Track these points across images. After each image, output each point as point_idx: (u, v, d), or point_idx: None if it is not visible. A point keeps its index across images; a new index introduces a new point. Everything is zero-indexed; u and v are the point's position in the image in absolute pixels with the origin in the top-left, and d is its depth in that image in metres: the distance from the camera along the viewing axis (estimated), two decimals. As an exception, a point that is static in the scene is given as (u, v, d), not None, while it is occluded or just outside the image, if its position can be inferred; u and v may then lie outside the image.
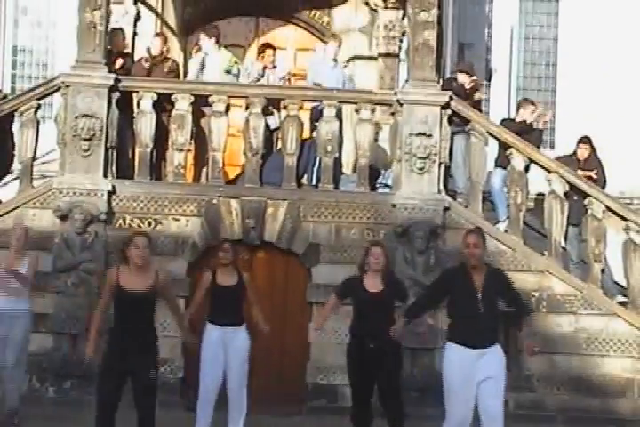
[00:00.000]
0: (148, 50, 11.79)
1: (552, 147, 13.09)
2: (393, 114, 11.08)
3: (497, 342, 7.24)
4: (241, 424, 8.50)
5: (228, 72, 11.57)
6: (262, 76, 11.66)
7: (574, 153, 11.74)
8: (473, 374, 7.02)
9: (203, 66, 11.68)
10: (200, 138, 11.19)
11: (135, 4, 13.26)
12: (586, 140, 11.72)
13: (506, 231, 10.95)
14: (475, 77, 11.78)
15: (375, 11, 13.66)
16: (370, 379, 8.11)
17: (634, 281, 10.81)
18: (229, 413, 8.48)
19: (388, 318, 7.94)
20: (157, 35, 12.30)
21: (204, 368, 8.43)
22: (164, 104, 10.94)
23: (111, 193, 10.49)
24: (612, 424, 10.23)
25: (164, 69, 11.52)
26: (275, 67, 11.77)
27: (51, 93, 11.10)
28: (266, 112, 11.03)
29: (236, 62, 11.91)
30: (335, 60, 11.94)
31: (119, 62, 11.27)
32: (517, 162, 10.92)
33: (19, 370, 9.09)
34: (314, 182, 11.24)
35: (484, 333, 7.09)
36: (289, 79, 12.23)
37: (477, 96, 11.74)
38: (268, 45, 12.08)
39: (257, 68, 11.63)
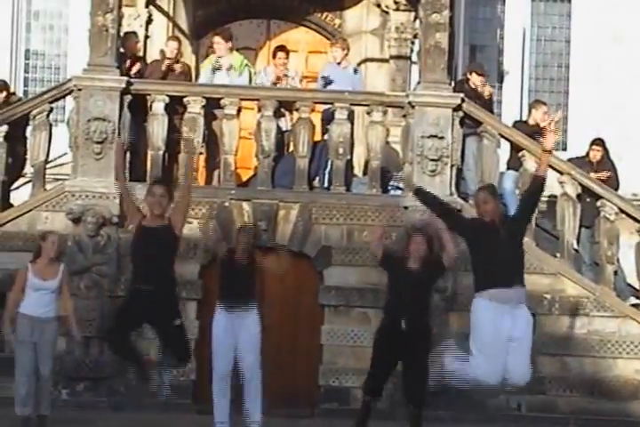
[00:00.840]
0: (162, 52, 11.84)
1: (564, 149, 13.08)
2: (405, 116, 11.17)
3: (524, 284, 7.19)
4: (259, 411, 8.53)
5: (218, 69, 11.49)
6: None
7: (587, 155, 11.76)
8: (504, 331, 6.95)
9: (215, 69, 11.66)
10: (212, 141, 11.24)
11: (147, 6, 13.32)
12: (599, 142, 11.75)
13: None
14: (485, 77, 11.82)
15: (387, 13, 13.66)
16: (392, 360, 8.17)
17: (646, 283, 10.90)
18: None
19: (424, 301, 8.04)
20: (173, 38, 12.30)
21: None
22: (176, 107, 11.02)
23: (123, 196, 10.58)
24: (625, 426, 10.28)
25: (176, 72, 11.53)
26: (286, 75, 11.69)
27: (63, 97, 11.23)
28: (277, 114, 11.11)
29: (247, 65, 11.88)
30: (343, 64, 11.90)
31: (136, 66, 11.35)
32: (530, 164, 10.91)
33: (51, 375, 9.16)
34: (325, 185, 11.34)
35: (513, 275, 7.06)
36: (300, 80, 12.26)
37: (487, 92, 11.74)
38: (280, 48, 12.04)
39: (270, 78, 11.59)
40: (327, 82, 11.55)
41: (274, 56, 12.00)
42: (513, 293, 6.99)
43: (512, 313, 6.98)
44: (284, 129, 11.43)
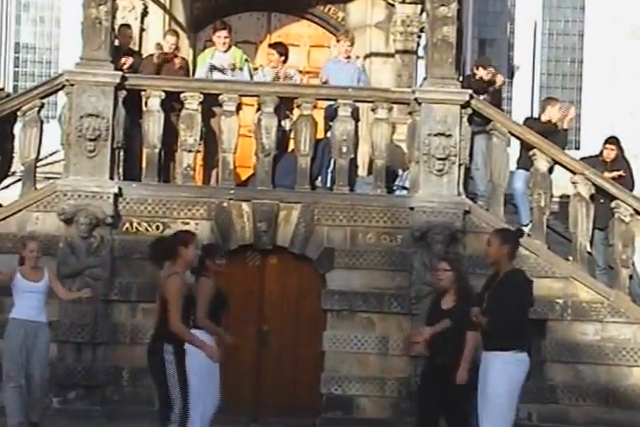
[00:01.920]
0: (158, 46, 11.78)
1: (577, 147, 13.05)
2: (411, 113, 11.08)
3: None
4: None
5: (219, 70, 11.47)
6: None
7: (600, 154, 11.73)
8: None
9: (216, 69, 11.59)
10: (210, 138, 11.17)
11: (142, -2, 13.34)
12: (613, 140, 11.71)
13: (529, 236, 10.83)
14: (492, 69, 11.77)
15: (392, 5, 13.64)
16: (433, 397, 7.96)
17: (662, 288, 10.85)
18: None
19: (460, 336, 7.75)
20: (171, 31, 12.23)
21: None
22: (172, 103, 10.94)
23: (117, 196, 10.50)
24: (641, 437, 10.26)
25: (174, 67, 11.49)
26: (286, 76, 11.60)
27: (55, 92, 11.13)
28: (282, 115, 11.05)
29: (246, 60, 11.89)
30: (348, 58, 11.84)
31: (128, 61, 11.27)
32: (541, 163, 10.89)
33: (45, 385, 9.23)
34: (328, 185, 11.26)
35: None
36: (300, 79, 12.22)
37: (500, 81, 11.70)
38: (276, 44, 12.00)
39: (269, 79, 11.51)
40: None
41: (268, 52, 11.95)
42: None
43: None
44: (285, 128, 11.34)
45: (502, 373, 6.95)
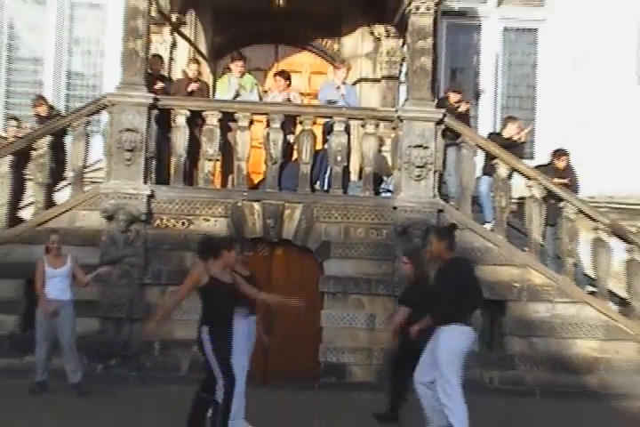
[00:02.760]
0: (184, 72, 11.71)
1: (532, 157, 12.92)
2: (394, 128, 10.93)
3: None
4: None
5: (237, 95, 11.44)
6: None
7: (551, 163, 11.59)
8: None
9: (236, 94, 11.52)
10: (227, 149, 11.03)
11: (171, 33, 13.22)
12: (565, 152, 11.59)
13: (492, 230, 10.81)
14: (462, 94, 11.71)
15: (379, 39, 13.54)
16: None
17: (601, 273, 10.70)
18: None
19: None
20: (193, 60, 12.15)
21: None
22: (196, 120, 10.81)
23: (150, 197, 10.38)
24: (583, 397, 10.07)
25: (196, 90, 11.40)
26: (289, 99, 11.45)
27: (99, 111, 10.96)
28: (287, 131, 10.92)
29: (256, 84, 11.80)
30: (344, 83, 11.72)
31: (159, 85, 11.16)
32: (502, 170, 10.80)
33: (72, 350, 9.19)
34: (325, 188, 11.09)
35: None
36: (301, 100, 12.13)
37: (464, 108, 11.55)
38: (280, 72, 11.84)
39: (276, 99, 11.42)
40: (331, 103, 11.35)
41: (274, 79, 11.82)
42: None
43: None
44: (289, 140, 11.21)
45: (447, 343, 6.94)
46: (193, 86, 11.39)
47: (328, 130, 11.14)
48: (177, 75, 12.55)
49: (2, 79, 13.44)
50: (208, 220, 10.45)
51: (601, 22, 13.58)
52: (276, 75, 11.85)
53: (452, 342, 6.98)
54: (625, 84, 13.60)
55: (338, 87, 11.53)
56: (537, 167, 11.41)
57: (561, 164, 11.49)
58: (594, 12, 13.59)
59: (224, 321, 6.88)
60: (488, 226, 11.00)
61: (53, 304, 9.08)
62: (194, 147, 10.80)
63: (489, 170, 11.17)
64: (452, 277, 7.05)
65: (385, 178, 11.49)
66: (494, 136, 11.68)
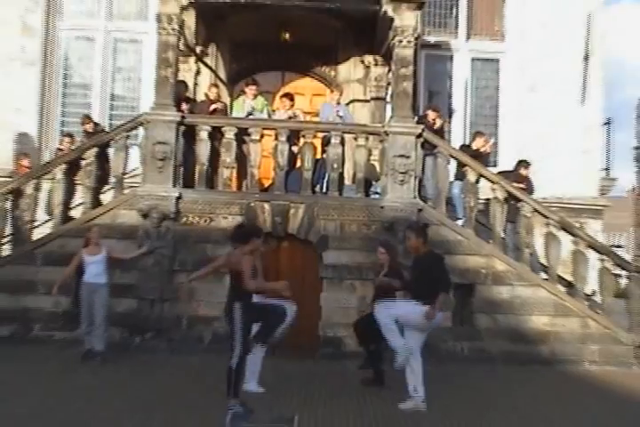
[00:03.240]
0: (206, 95, 11.62)
1: (495, 165, 12.84)
2: (381, 141, 10.76)
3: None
4: None
5: (250, 113, 11.31)
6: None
7: (515, 170, 11.47)
8: None
9: (249, 112, 11.39)
10: (242, 158, 10.86)
11: (196, 63, 13.09)
12: (529, 163, 11.56)
13: (463, 226, 10.65)
14: (437, 113, 11.53)
15: (368, 67, 13.40)
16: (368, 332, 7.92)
17: (552, 261, 10.59)
18: None
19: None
20: (214, 85, 12.05)
21: None
22: (216, 134, 10.65)
23: (178, 198, 10.24)
24: (537, 363, 9.98)
25: (217, 109, 11.30)
26: (291, 117, 11.38)
27: (136, 127, 10.81)
28: (291, 142, 10.78)
29: (266, 104, 11.66)
30: (338, 103, 11.66)
31: (185, 106, 11.00)
32: (471, 176, 10.67)
33: (101, 326, 9.06)
34: (324, 190, 10.94)
35: None
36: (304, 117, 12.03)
37: (438, 124, 11.39)
38: (286, 94, 11.79)
39: (284, 117, 11.31)
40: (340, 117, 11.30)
41: (281, 101, 11.70)
42: None
43: None
44: (294, 151, 11.08)
45: (412, 315, 6.99)
46: (215, 106, 11.26)
47: (326, 142, 10.98)
48: (200, 97, 12.41)
49: (58, 102, 13.33)
50: (226, 217, 10.31)
51: (551, 54, 13.49)
52: (282, 96, 11.77)
53: (418, 315, 7.03)
54: (571, 105, 13.48)
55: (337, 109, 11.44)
56: (499, 173, 11.31)
57: (524, 171, 11.41)
58: (545, 46, 13.51)
59: (251, 299, 6.66)
60: (459, 222, 10.86)
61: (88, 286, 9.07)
62: (214, 156, 10.65)
63: (460, 175, 11.01)
64: (426, 267, 7.03)
65: (374, 182, 11.34)
66: (464, 148, 11.59)
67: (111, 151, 10.78)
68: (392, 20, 10.51)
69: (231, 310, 6.56)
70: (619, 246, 29.57)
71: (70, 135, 12.10)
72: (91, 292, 9.01)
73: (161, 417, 6.29)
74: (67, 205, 10.70)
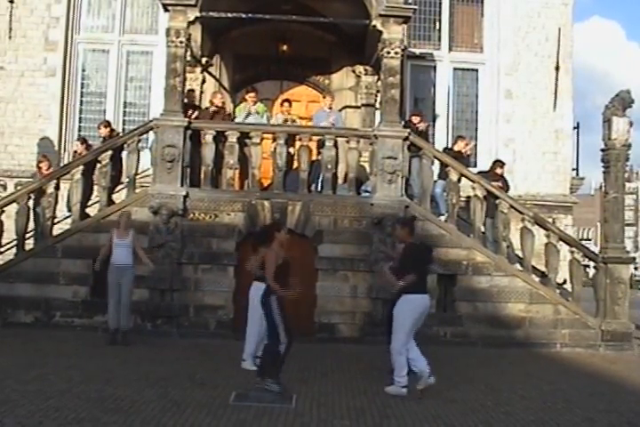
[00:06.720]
0: (211, 102, 11.56)
1: (475, 166, 12.81)
2: (371, 144, 10.73)
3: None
4: None
5: (249, 114, 11.22)
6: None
7: (490, 170, 11.46)
8: None
9: (247, 113, 11.31)
10: (244, 160, 10.79)
11: (202, 72, 13.03)
12: (503, 162, 11.58)
13: (445, 221, 10.61)
14: (422, 118, 11.49)
15: (359, 76, 13.34)
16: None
17: (527, 254, 10.56)
18: None
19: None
20: (217, 93, 11.97)
21: None
22: (220, 138, 10.59)
23: (185, 196, 10.19)
24: (513, 346, 9.99)
25: (221, 115, 11.22)
26: (289, 120, 11.40)
27: (147, 132, 10.76)
28: (288, 144, 10.72)
29: (266, 111, 11.61)
30: (330, 108, 11.59)
31: (192, 112, 10.93)
32: (453, 176, 10.62)
33: (127, 306, 9.07)
34: (319, 189, 10.88)
35: None
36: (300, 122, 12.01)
37: (422, 127, 11.32)
38: (285, 100, 11.80)
39: (280, 121, 11.32)
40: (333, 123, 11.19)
41: (281, 105, 11.74)
42: None
43: None
44: (291, 153, 11.02)
45: (402, 306, 6.78)
46: (215, 109, 11.08)
47: (321, 145, 10.92)
48: (205, 104, 12.32)
49: (77, 109, 13.28)
50: (229, 214, 10.27)
51: (525, 65, 13.52)
52: (280, 103, 11.72)
53: (408, 305, 6.81)
54: (543, 111, 13.50)
55: (330, 111, 11.40)
56: (479, 173, 11.27)
57: (499, 170, 11.39)
58: (520, 58, 13.53)
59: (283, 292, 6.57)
60: (442, 218, 10.82)
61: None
62: (218, 158, 10.58)
63: (443, 175, 10.95)
64: (411, 257, 6.92)
65: (364, 181, 11.31)
66: (447, 150, 11.55)
67: (124, 154, 10.72)
68: (381, 33, 10.47)
69: (267, 304, 6.51)
70: (587, 239, 29.65)
71: (84, 140, 12.05)
72: (120, 273, 8.96)
73: (175, 392, 6.37)
74: (84, 204, 10.65)
